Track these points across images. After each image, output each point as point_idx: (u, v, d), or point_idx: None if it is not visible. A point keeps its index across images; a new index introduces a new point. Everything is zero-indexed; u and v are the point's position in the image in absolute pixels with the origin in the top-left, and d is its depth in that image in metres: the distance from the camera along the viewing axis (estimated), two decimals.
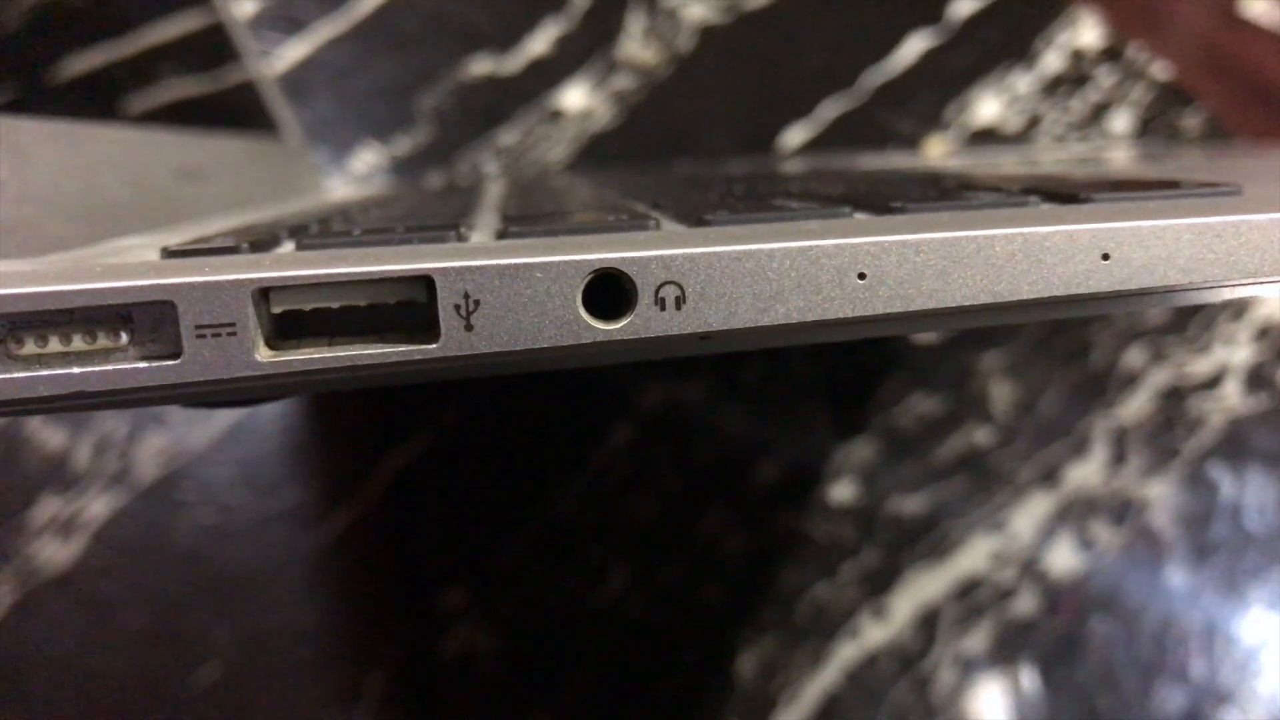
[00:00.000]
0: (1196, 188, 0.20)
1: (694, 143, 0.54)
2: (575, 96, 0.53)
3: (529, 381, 0.49)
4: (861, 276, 0.17)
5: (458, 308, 0.16)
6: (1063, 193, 0.20)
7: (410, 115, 0.52)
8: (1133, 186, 0.20)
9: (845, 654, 0.47)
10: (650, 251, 0.16)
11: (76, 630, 0.46)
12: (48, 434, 0.47)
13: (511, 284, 0.16)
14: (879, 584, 0.48)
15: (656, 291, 0.16)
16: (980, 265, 0.17)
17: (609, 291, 0.17)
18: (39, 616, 0.46)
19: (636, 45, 0.54)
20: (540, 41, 0.54)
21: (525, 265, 0.16)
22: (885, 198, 0.20)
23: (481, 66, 0.53)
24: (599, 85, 0.53)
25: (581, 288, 0.16)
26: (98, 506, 0.47)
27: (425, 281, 0.16)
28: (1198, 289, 0.17)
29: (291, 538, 0.47)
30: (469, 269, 0.16)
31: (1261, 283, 0.17)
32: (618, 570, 0.48)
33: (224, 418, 0.48)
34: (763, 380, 0.49)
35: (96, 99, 0.51)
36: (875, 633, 0.47)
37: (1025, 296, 0.17)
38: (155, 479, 0.47)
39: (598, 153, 0.53)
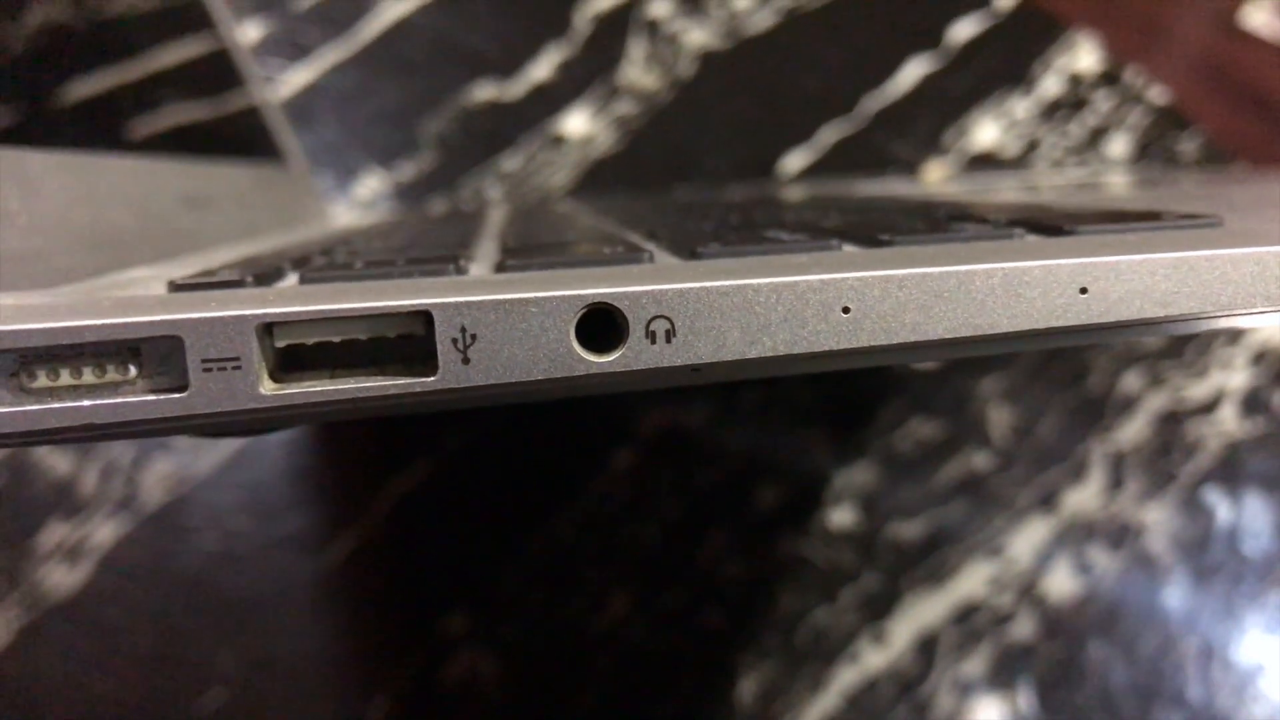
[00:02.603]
0: (1177, 220, 0.20)
1: (695, 168, 0.54)
2: (577, 122, 0.53)
3: (530, 407, 0.49)
4: (846, 310, 0.17)
5: (455, 341, 0.16)
6: (1047, 224, 0.20)
7: (414, 141, 0.53)
8: (1115, 218, 0.20)
9: (845, 679, 0.47)
10: (641, 287, 0.17)
11: (82, 655, 0.46)
12: (54, 460, 0.47)
13: (507, 318, 0.16)
14: (878, 609, 0.48)
15: (647, 325, 0.17)
16: (961, 299, 0.17)
17: (602, 324, 0.17)
18: (46, 641, 0.46)
19: (638, 71, 0.54)
20: (543, 67, 0.54)
21: (520, 300, 0.16)
22: (875, 229, 0.21)
23: (484, 92, 0.53)
24: (601, 111, 0.54)
25: (574, 322, 0.17)
26: (104, 532, 0.47)
27: (424, 316, 0.16)
28: (1174, 322, 0.18)
29: (295, 563, 0.48)
30: (466, 304, 0.16)
31: (1238, 315, 0.18)
32: (619, 595, 0.48)
33: (229, 444, 0.48)
34: (762, 405, 0.50)
35: (99, 125, 0.51)
36: (874, 657, 0.48)
37: (1005, 329, 0.17)
38: (161, 505, 0.47)
39: (599, 178, 0.53)
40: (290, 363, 0.17)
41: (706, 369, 0.17)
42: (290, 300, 0.16)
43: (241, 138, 0.51)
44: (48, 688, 0.46)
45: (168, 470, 0.48)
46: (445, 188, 0.53)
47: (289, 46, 0.53)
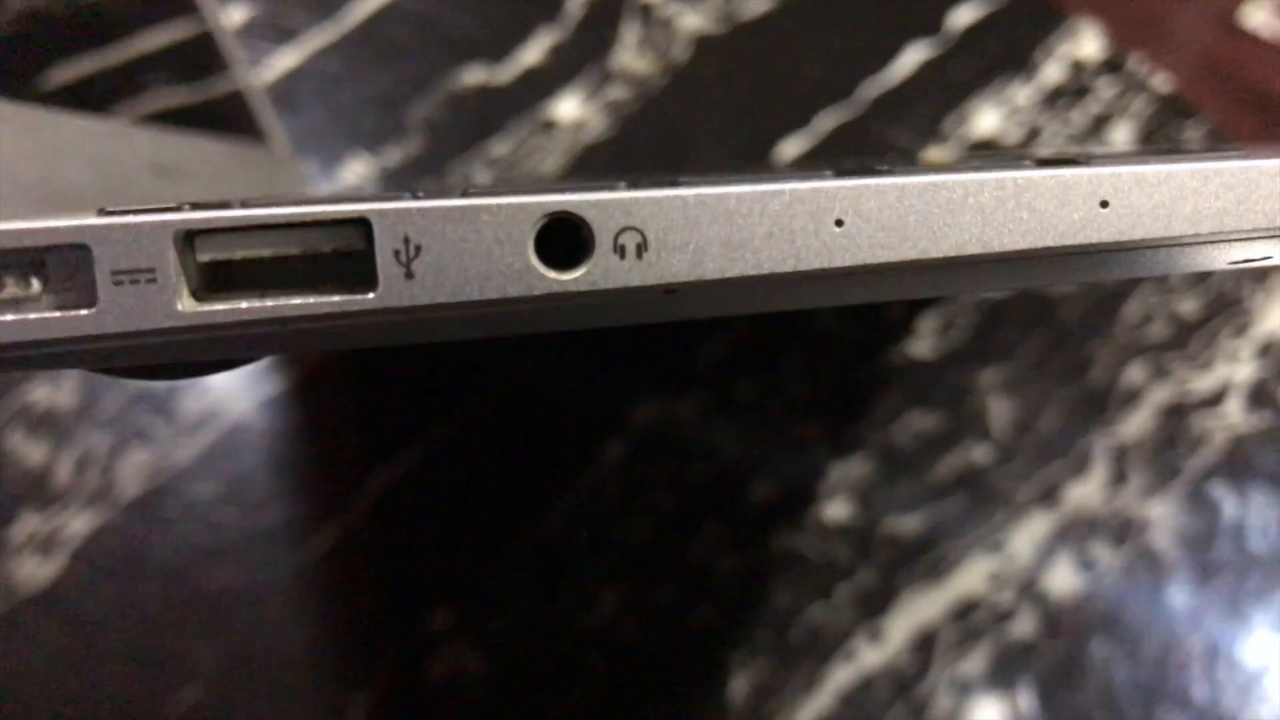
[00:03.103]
0: (1199, 151, 0.19)
1: (689, 154, 0.53)
2: (568, 107, 0.53)
3: (520, 397, 0.48)
4: (839, 223, 0.16)
5: (397, 253, 0.15)
6: (1058, 160, 0.19)
7: (401, 125, 0.52)
8: (1131, 154, 0.19)
9: (840, 677, 0.46)
10: (609, 194, 0.15)
11: (56, 649, 0.45)
12: (28, 449, 0.46)
13: (457, 228, 0.15)
14: (874, 605, 0.47)
15: (616, 238, 0.15)
16: (969, 212, 0.16)
17: (566, 243, 0.15)
18: (18, 635, 0.45)
19: (631, 56, 0.53)
20: (533, 51, 0.53)
21: (472, 207, 0.15)
22: (871, 165, 0.20)
23: (473, 76, 0.52)
24: (593, 96, 0.53)
25: (534, 234, 0.15)
26: (78, 523, 0.46)
27: (364, 227, 0.15)
28: (1204, 242, 0.16)
29: (276, 556, 0.47)
30: (409, 211, 0.15)
31: (1273, 235, 0.16)
32: (609, 591, 0.47)
33: (208, 434, 0.47)
34: (757, 397, 0.49)
35: (82, 107, 0.50)
36: (870, 655, 0.47)
37: (1017, 246, 0.16)
38: (137, 495, 0.46)
39: (591, 164, 0.52)
40: (218, 283, 0.15)
41: (683, 291, 0.16)
42: (215, 209, 0.15)
43: (225, 121, 0.51)
44: (19, 683, 0.45)
45: (145, 460, 0.47)
46: (433, 173, 0.52)
47: (275, 30, 0.52)
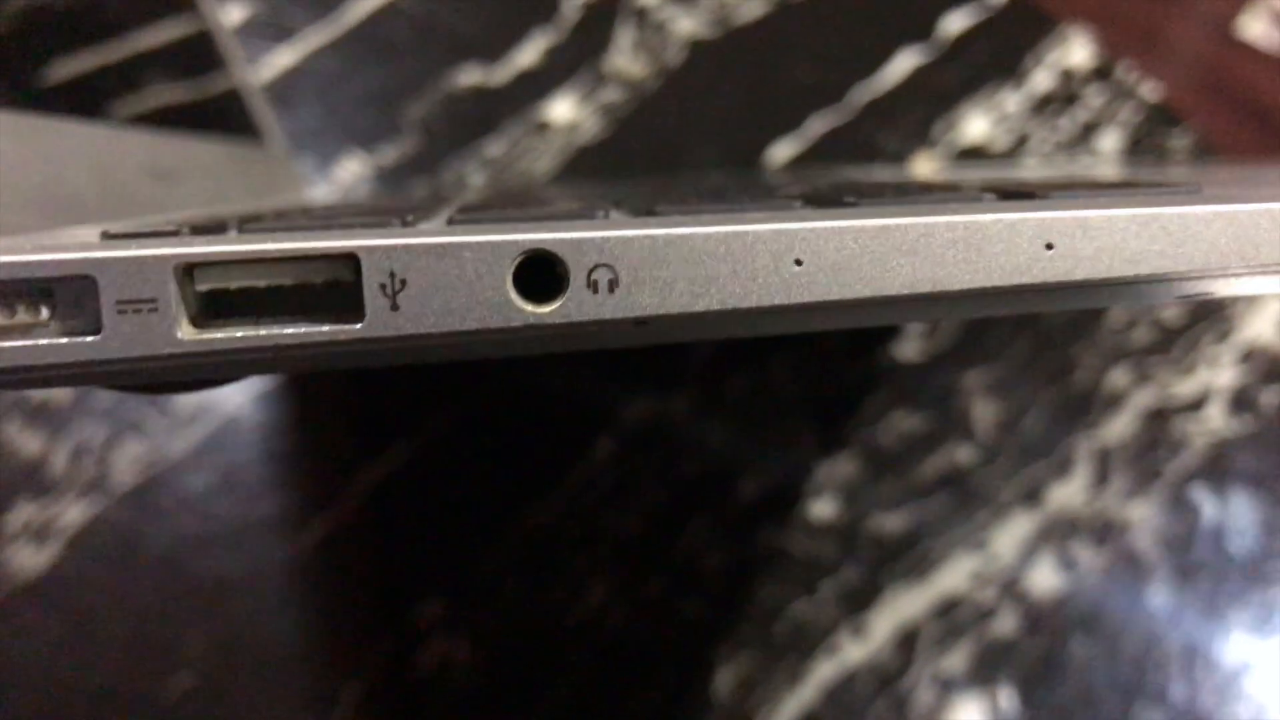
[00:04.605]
0: (1153, 187, 0.20)
1: (681, 156, 0.53)
2: (563, 109, 0.53)
3: (511, 393, 0.49)
4: (798, 263, 0.16)
5: (383, 287, 0.16)
6: (1018, 191, 0.20)
7: (397, 125, 0.52)
8: (1089, 186, 0.20)
9: (824, 672, 0.47)
10: (583, 234, 0.16)
11: (50, 637, 0.46)
12: (24, 439, 0.47)
13: (439, 263, 0.16)
14: (859, 602, 0.48)
15: (589, 274, 0.16)
16: (921, 253, 0.16)
17: (543, 276, 0.16)
18: (13, 623, 0.46)
19: (625, 59, 0.54)
20: (529, 53, 0.53)
21: (454, 244, 0.16)
22: (841, 194, 0.20)
23: (469, 77, 0.53)
24: (587, 98, 0.53)
25: (512, 269, 0.16)
26: (74, 513, 0.46)
27: (352, 261, 0.16)
28: (1144, 282, 0.17)
29: (269, 547, 0.47)
30: (395, 247, 0.16)
31: (1211, 277, 0.17)
32: (597, 584, 0.47)
33: (202, 426, 0.48)
34: (746, 396, 0.49)
35: (81, 104, 0.51)
36: (854, 651, 0.47)
37: (966, 286, 0.17)
38: (132, 486, 0.47)
39: (584, 166, 0.53)
40: (215, 311, 0.16)
41: (653, 324, 0.17)
42: (213, 243, 0.16)
43: (222, 119, 0.51)
44: (14, 671, 0.46)
45: (140, 451, 0.47)
46: (427, 172, 0.52)
47: (273, 29, 0.53)
